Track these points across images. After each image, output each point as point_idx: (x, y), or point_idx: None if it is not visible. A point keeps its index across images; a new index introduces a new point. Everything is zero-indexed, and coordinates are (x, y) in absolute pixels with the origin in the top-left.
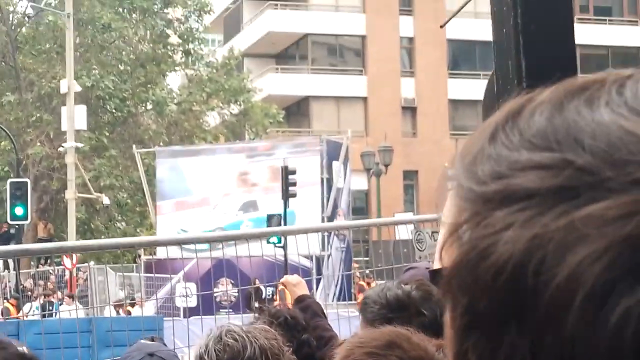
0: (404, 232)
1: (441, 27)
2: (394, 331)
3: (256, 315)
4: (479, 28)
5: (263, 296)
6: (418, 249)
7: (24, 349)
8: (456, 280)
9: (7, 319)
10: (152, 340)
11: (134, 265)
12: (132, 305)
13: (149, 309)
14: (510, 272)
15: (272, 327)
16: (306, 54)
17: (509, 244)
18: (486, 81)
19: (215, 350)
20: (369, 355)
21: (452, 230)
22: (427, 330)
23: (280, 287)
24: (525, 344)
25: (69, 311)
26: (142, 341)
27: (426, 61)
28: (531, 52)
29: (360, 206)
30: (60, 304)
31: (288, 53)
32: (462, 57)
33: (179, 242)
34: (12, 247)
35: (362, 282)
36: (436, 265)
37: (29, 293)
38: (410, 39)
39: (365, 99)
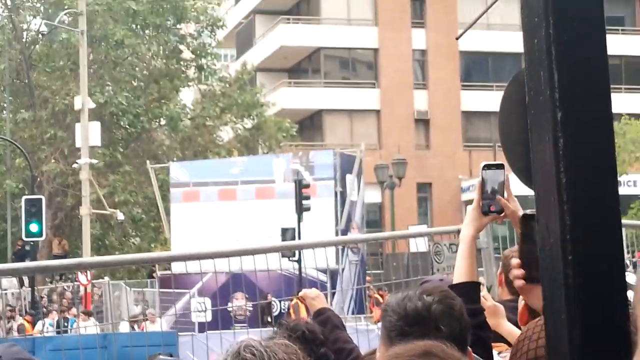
0: (419, 244)
1: (457, 39)
2: (428, 342)
3: (275, 329)
4: (491, 40)
5: (275, 310)
6: (436, 262)
7: None
8: None
9: (22, 336)
10: (171, 356)
11: (148, 280)
12: (145, 320)
13: (159, 325)
14: None
15: (290, 341)
16: (319, 67)
17: None
18: (499, 92)
19: None
20: None
21: None
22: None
23: (294, 301)
24: None
25: (85, 327)
26: (162, 357)
27: (439, 73)
28: (563, 62)
29: (374, 219)
30: (74, 321)
31: (301, 67)
32: (474, 68)
33: (196, 258)
34: (33, 263)
35: (376, 295)
36: (456, 279)
37: (44, 309)
38: (423, 52)
39: (378, 112)
